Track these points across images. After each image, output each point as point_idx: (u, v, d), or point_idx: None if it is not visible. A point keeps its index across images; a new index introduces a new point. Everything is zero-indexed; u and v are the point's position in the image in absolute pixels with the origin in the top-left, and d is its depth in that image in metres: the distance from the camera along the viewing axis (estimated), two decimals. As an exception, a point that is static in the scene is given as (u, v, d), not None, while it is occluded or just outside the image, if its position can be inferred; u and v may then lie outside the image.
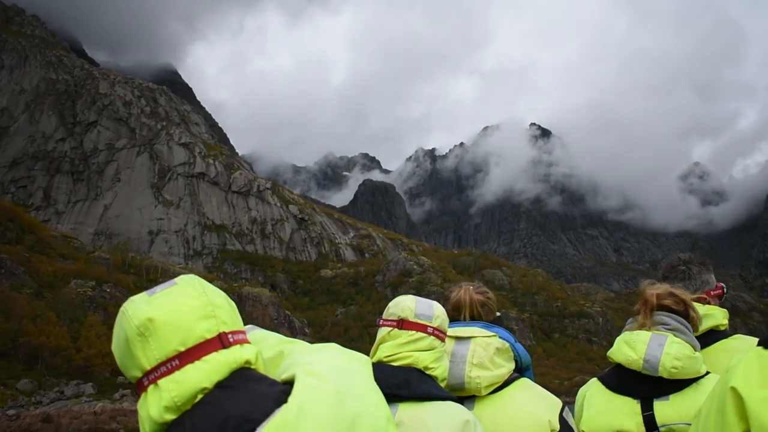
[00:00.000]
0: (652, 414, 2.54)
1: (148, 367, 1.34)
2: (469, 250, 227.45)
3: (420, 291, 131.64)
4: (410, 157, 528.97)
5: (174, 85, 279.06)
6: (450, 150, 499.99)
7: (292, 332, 76.17)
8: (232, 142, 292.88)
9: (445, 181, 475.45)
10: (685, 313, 2.70)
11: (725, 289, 3.31)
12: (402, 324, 2.42)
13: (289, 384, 1.37)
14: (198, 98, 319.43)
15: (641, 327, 2.68)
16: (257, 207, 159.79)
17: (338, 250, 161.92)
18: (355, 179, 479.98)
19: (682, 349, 2.55)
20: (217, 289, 1.47)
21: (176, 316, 1.37)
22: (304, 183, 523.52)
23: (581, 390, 2.89)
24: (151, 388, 1.33)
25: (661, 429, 2.51)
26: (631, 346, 2.62)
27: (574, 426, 2.52)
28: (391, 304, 2.55)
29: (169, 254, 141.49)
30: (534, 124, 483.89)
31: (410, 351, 2.35)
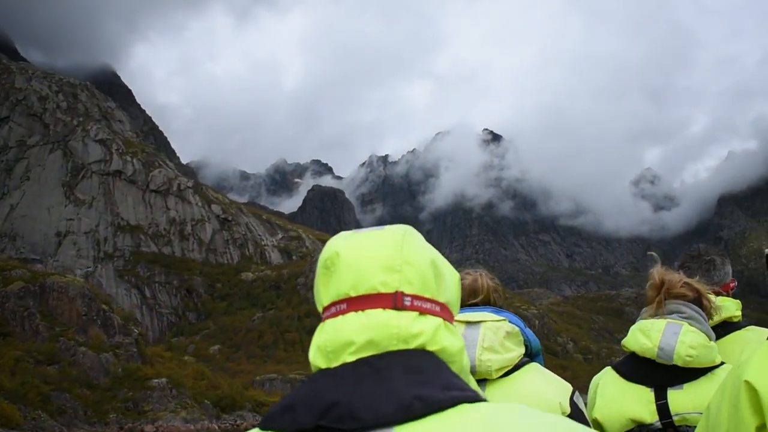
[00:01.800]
0: (666, 402, 2.54)
1: (325, 303, 1.24)
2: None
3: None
4: (364, 163, 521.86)
5: (113, 87, 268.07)
6: (402, 156, 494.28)
7: (108, 331, 65.98)
8: (174, 146, 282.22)
9: (396, 187, 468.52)
10: (698, 302, 2.69)
11: (736, 283, 3.34)
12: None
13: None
14: (139, 100, 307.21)
15: (655, 315, 2.67)
16: (177, 207, 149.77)
17: (263, 252, 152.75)
18: (306, 186, 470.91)
19: (697, 338, 2.55)
20: (427, 251, 1.25)
21: (359, 256, 1.22)
22: (252, 189, 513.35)
23: (594, 378, 2.88)
24: (320, 326, 1.23)
25: (675, 418, 2.51)
26: (645, 335, 2.62)
27: (584, 409, 2.53)
28: None
29: (78, 257, 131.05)
30: (486, 129, 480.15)
31: None
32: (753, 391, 1.42)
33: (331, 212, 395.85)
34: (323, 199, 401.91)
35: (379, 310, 1.17)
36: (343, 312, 1.19)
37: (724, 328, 3.09)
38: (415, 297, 1.20)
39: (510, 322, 2.59)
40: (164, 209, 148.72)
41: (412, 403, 1.06)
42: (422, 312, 1.19)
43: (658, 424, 2.54)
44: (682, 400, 2.52)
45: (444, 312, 1.23)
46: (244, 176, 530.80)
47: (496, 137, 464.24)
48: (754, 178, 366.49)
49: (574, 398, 2.48)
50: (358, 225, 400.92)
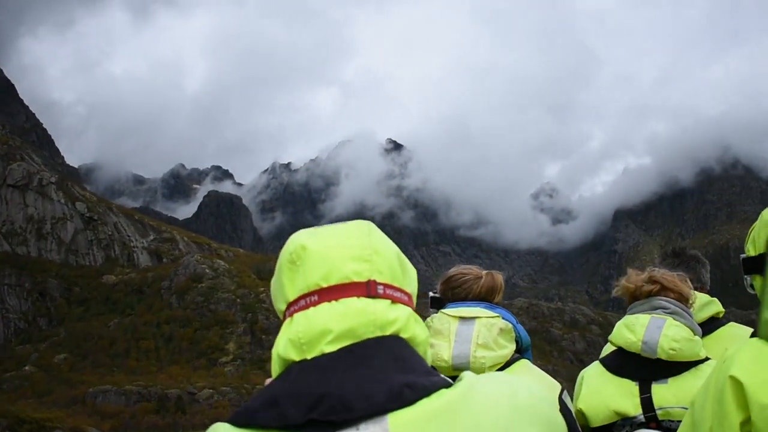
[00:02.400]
0: (650, 396, 2.58)
1: (291, 298, 1.24)
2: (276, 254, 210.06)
3: (209, 298, 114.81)
4: (266, 170, 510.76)
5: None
6: (304, 163, 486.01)
7: None
8: (63, 146, 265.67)
9: (297, 194, 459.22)
10: (681, 297, 2.75)
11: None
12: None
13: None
14: (26, 97, 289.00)
15: (641, 311, 2.71)
16: (36, 203, 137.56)
17: (131, 254, 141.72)
18: (204, 192, 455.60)
19: (681, 332, 2.59)
20: (391, 243, 1.31)
21: (328, 249, 1.25)
22: (147, 194, 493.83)
23: (581, 372, 2.93)
24: (286, 321, 1.23)
25: (658, 412, 2.55)
26: (630, 329, 2.67)
27: (572, 408, 2.54)
28: None
29: None
30: (389, 139, 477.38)
31: None
32: (738, 386, 1.43)
33: (227, 219, 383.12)
34: (219, 206, 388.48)
35: (354, 299, 1.19)
36: (314, 303, 1.19)
37: (712, 324, 3.18)
38: (386, 285, 1.22)
39: (503, 318, 2.61)
40: (21, 206, 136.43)
41: (402, 391, 1.08)
42: (394, 300, 1.22)
43: (642, 418, 2.57)
44: (665, 394, 2.56)
45: (410, 302, 1.26)
46: (139, 180, 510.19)
47: (398, 146, 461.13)
48: (647, 193, 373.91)
49: (563, 396, 2.49)
50: (255, 233, 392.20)
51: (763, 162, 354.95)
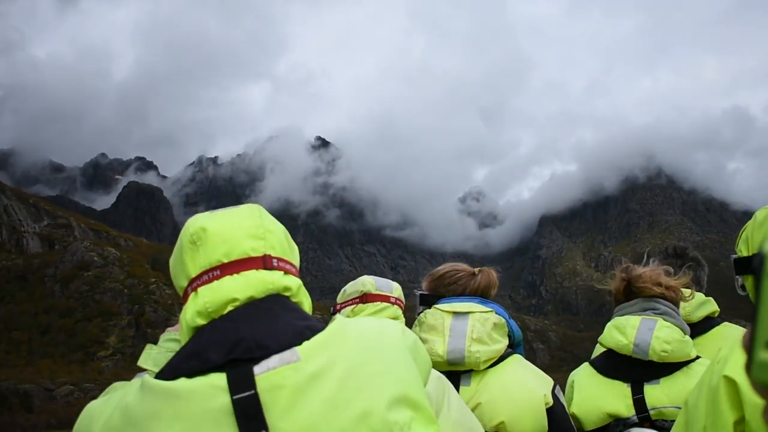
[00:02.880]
0: (643, 397, 2.58)
1: (193, 275, 1.43)
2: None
3: (95, 287, 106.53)
4: (192, 163, 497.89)
5: None
6: (233, 158, 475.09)
7: None
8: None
9: (222, 189, 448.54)
10: (672, 298, 2.75)
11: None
12: (365, 298, 2.66)
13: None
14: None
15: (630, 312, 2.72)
16: None
17: (20, 240, 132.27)
18: (126, 183, 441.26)
19: (672, 333, 2.59)
20: (278, 223, 1.55)
21: (227, 229, 1.45)
22: (65, 183, 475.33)
23: (571, 375, 2.92)
24: (191, 295, 1.42)
25: (651, 412, 2.55)
26: (621, 331, 2.66)
27: (564, 402, 2.56)
28: (347, 287, 2.77)
29: None
30: (318, 136, 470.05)
31: None
32: (733, 386, 1.46)
33: (146, 211, 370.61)
34: (139, 197, 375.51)
35: (253, 271, 1.42)
36: (217, 277, 1.41)
37: (707, 324, 3.19)
38: (279, 259, 1.46)
39: (496, 313, 2.60)
40: None
41: (304, 331, 1.36)
42: (286, 272, 1.47)
43: (635, 418, 2.58)
44: (658, 394, 2.56)
45: (297, 274, 1.52)
46: (57, 168, 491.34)
47: (325, 144, 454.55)
48: (572, 200, 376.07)
49: (555, 391, 2.50)
50: (176, 226, 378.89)
51: (685, 173, 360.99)
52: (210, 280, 1.41)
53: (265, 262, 1.44)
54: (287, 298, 1.44)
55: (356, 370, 1.33)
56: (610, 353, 2.73)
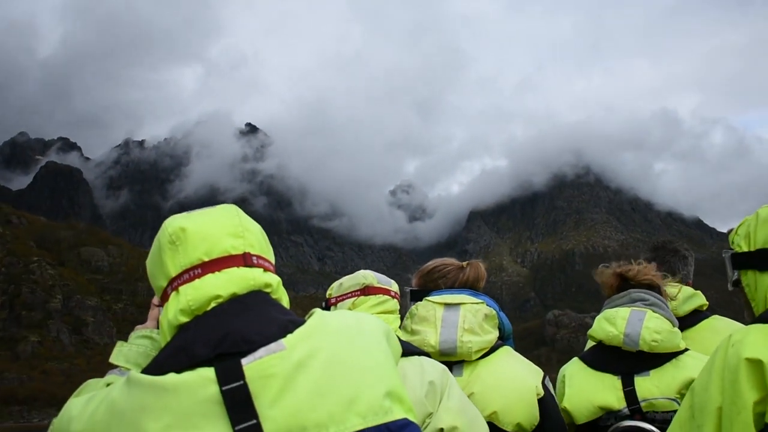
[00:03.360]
0: (633, 389, 2.62)
1: (174, 274, 1.45)
2: (75, 223, 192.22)
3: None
4: (119, 145, 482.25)
5: None
6: (159, 142, 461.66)
7: None
8: None
9: (146, 173, 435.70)
10: (659, 289, 2.83)
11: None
12: (366, 290, 2.69)
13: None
14: None
15: (619, 304, 2.79)
16: None
17: None
18: (45, 163, 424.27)
19: (662, 324, 2.66)
20: (255, 222, 1.59)
21: (206, 228, 1.48)
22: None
23: (562, 369, 2.95)
24: (173, 294, 1.44)
25: (642, 404, 2.60)
26: (611, 323, 2.72)
27: (554, 393, 2.61)
28: (343, 280, 2.80)
29: None
30: (248, 123, 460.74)
31: (378, 313, 2.64)
32: (756, 366, 1.55)
33: (64, 193, 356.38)
34: (57, 178, 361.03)
35: (234, 268, 1.45)
36: (199, 275, 1.43)
37: (696, 317, 3.28)
38: (258, 257, 1.50)
39: (487, 305, 2.64)
40: None
41: (288, 325, 1.39)
42: (265, 269, 1.51)
43: (626, 411, 2.62)
44: (648, 386, 2.61)
45: (274, 271, 1.54)
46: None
47: (254, 130, 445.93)
48: (501, 195, 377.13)
49: (545, 382, 2.55)
50: (94, 209, 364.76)
51: (613, 173, 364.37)
52: (191, 279, 1.43)
53: (245, 260, 1.47)
54: (268, 294, 1.48)
55: (340, 357, 1.38)
56: (600, 346, 2.78)
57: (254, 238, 1.54)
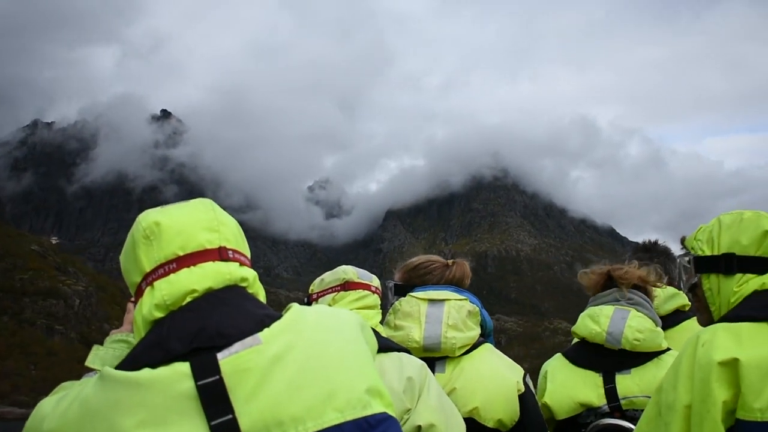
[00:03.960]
0: (614, 387, 2.65)
1: (148, 269, 1.43)
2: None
3: None
4: (27, 125, 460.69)
5: None
6: (69, 124, 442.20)
7: None
8: None
9: (52, 155, 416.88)
10: (645, 289, 2.87)
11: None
12: (347, 285, 2.70)
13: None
14: None
15: (618, 302, 2.80)
16: None
17: None
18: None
19: (644, 323, 2.69)
20: (230, 216, 1.56)
21: (181, 223, 1.46)
22: None
23: (544, 365, 2.97)
24: (147, 290, 1.42)
25: (622, 401, 2.62)
26: (594, 320, 2.74)
27: (534, 390, 2.66)
28: (324, 276, 2.84)
29: None
30: (163, 109, 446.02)
31: (359, 308, 2.63)
32: (729, 366, 1.63)
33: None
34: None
35: (210, 263, 1.44)
36: (174, 270, 1.41)
37: (678, 317, 3.32)
38: (234, 251, 1.49)
39: (470, 302, 2.67)
40: None
41: (264, 320, 1.38)
42: (241, 263, 1.50)
43: (606, 408, 2.64)
44: (629, 384, 2.64)
45: (250, 265, 1.54)
46: None
47: (167, 115, 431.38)
48: (419, 195, 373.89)
49: (526, 379, 2.58)
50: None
51: (530, 178, 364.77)
52: (166, 273, 1.41)
53: (221, 254, 1.45)
54: (244, 288, 1.46)
55: (317, 352, 1.36)
56: (583, 343, 2.81)
57: (230, 232, 1.51)
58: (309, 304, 2.72)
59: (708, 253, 1.98)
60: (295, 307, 1.45)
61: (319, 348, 1.37)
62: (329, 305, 2.60)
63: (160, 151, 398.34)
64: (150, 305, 1.38)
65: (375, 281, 2.79)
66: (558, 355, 2.94)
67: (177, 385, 1.26)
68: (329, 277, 2.78)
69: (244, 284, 1.47)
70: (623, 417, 2.60)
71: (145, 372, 1.27)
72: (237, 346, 1.31)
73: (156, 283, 1.41)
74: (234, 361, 1.29)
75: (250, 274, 1.49)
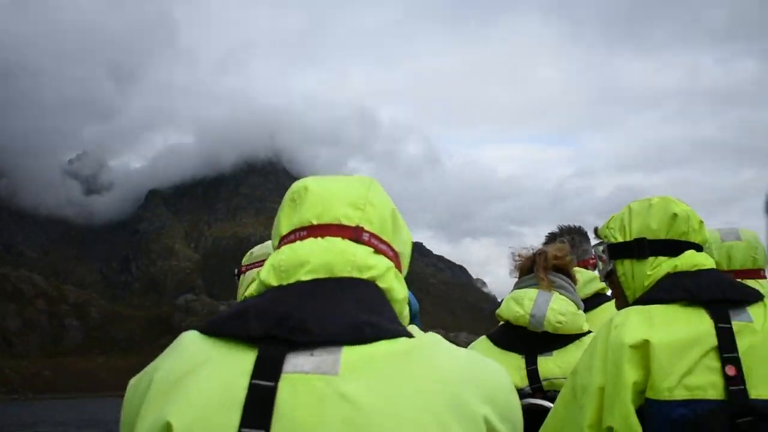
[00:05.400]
0: (536, 368, 2.69)
1: (283, 233, 1.34)
2: None
3: None
4: None
5: None
6: None
7: None
8: None
9: None
10: (567, 272, 2.91)
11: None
12: None
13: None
14: None
15: (540, 285, 2.82)
16: None
17: None
18: None
19: (567, 306, 2.74)
20: (389, 201, 1.40)
21: (328, 192, 1.35)
22: None
23: (469, 347, 2.95)
24: (275, 252, 1.32)
25: (544, 383, 2.67)
26: (518, 303, 2.77)
27: None
28: (254, 249, 2.81)
29: None
30: None
31: None
32: (640, 347, 1.71)
33: None
34: None
35: (339, 239, 1.27)
36: (302, 238, 1.29)
37: (597, 299, 3.42)
38: (373, 235, 1.31)
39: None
40: None
41: (362, 327, 1.14)
42: (377, 251, 1.30)
43: (528, 389, 2.68)
44: (550, 366, 2.68)
45: (396, 259, 1.34)
46: None
47: None
48: (185, 175, 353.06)
49: None
50: None
51: (304, 165, 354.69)
52: (294, 240, 1.30)
53: (355, 233, 1.29)
54: (368, 282, 1.25)
55: (372, 422, 1.10)
56: (507, 326, 2.83)
57: (376, 215, 1.34)
58: (238, 277, 2.72)
59: (620, 239, 2.06)
60: (429, 335, 1.22)
61: (378, 419, 1.10)
62: (255, 278, 2.51)
63: None
64: (268, 266, 1.27)
65: None
66: (483, 338, 2.96)
67: (232, 378, 1.13)
68: (258, 251, 2.76)
69: (369, 274, 1.25)
70: (545, 398, 2.65)
71: (214, 351, 1.17)
72: (310, 363, 1.12)
73: (283, 247, 1.30)
74: (296, 380, 1.12)
75: (383, 264, 1.28)
